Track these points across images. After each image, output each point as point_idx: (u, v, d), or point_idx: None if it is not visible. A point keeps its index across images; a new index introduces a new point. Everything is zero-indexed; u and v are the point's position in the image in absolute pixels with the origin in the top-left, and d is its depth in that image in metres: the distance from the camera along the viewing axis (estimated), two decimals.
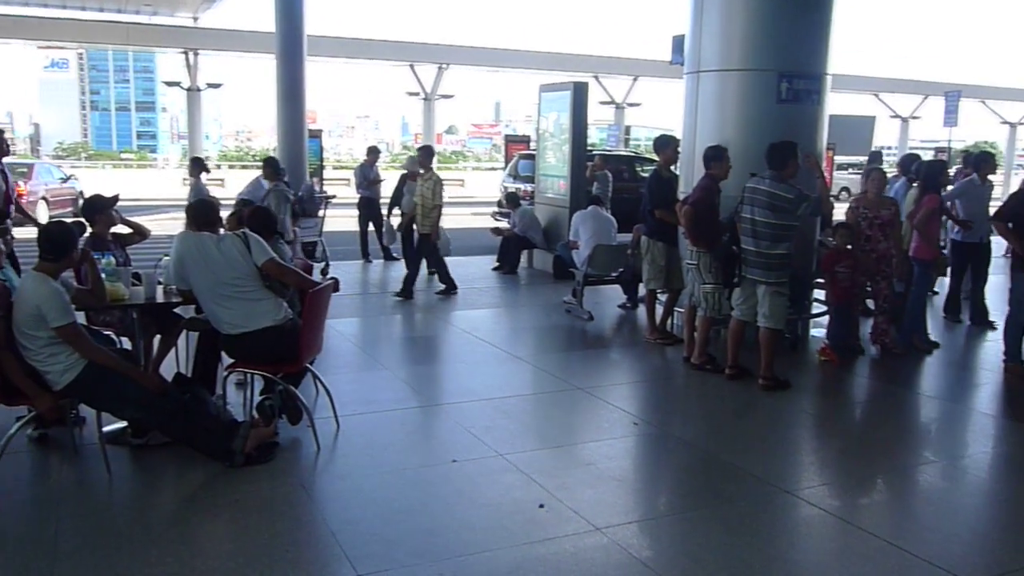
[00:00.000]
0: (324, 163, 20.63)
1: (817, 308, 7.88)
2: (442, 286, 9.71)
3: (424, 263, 9.76)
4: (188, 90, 31.11)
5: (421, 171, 9.62)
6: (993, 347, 7.48)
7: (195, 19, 29.83)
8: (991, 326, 8.31)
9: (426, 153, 9.82)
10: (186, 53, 30.30)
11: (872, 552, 3.82)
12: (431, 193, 9.27)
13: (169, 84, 32.77)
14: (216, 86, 33.83)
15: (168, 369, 5.39)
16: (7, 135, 7.80)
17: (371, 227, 12.31)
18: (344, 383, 6.00)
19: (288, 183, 10.43)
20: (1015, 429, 5.67)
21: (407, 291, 9.40)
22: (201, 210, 5.04)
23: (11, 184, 7.63)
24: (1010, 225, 6.59)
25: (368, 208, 12.30)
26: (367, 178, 12.32)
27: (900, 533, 4.03)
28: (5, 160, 7.46)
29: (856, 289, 7.18)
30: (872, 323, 7.53)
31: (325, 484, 4.50)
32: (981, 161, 8.68)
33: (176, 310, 5.45)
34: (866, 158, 25.73)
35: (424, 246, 9.56)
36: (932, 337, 7.66)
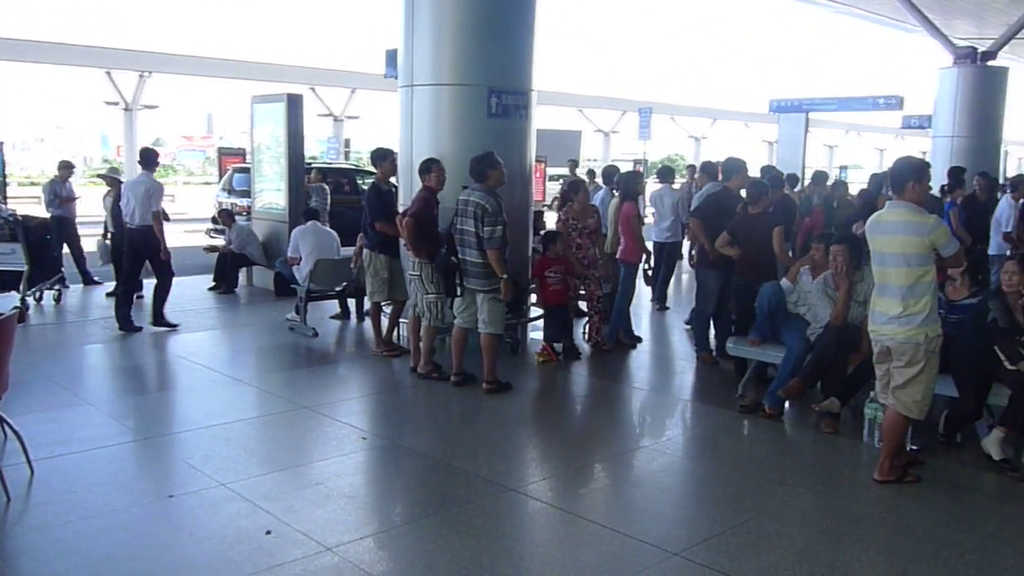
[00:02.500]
0: (7, 179, 18.41)
1: (535, 312, 8.31)
2: None
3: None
4: None
5: None
6: (688, 339, 8.28)
7: None
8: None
9: None
10: None
11: (590, 537, 4.09)
12: None
13: None
14: None
15: None
16: None
17: (66, 248, 11.18)
18: (38, 424, 5.40)
19: None
20: (707, 411, 6.32)
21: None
22: None
23: None
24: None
25: (61, 228, 11.16)
26: (58, 195, 11.16)
27: (614, 516, 4.35)
28: None
29: (568, 292, 7.64)
30: (586, 323, 8.06)
31: (18, 538, 4.01)
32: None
33: None
34: (566, 170, 27.37)
35: None
36: (636, 332, 8.34)
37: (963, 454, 5.27)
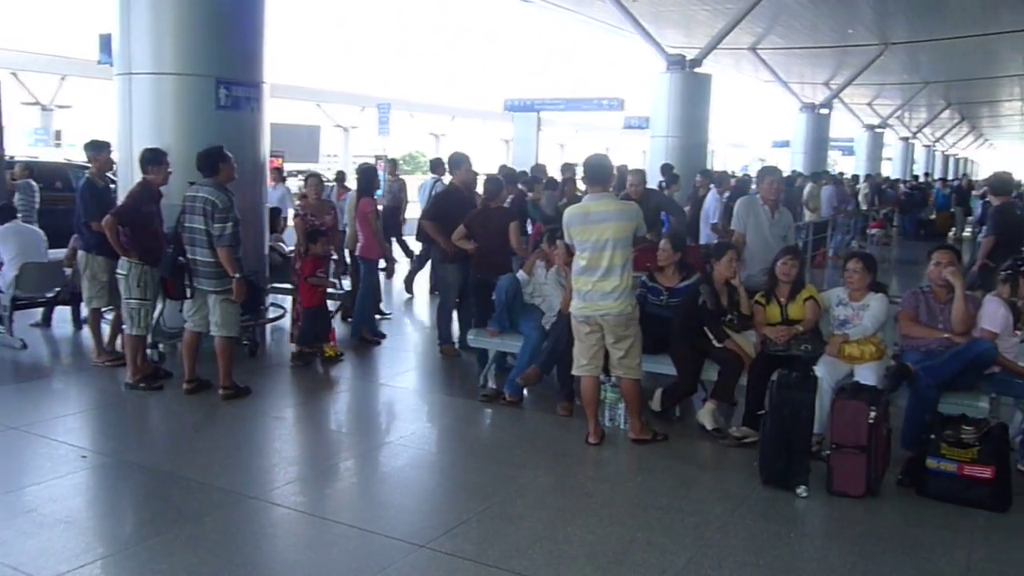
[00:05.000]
0: None
1: (274, 312, 8.04)
2: None
3: None
4: None
5: None
6: (431, 333, 8.37)
7: None
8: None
9: None
10: None
11: (336, 538, 4.03)
12: None
13: None
14: None
15: None
16: None
17: None
18: None
19: None
20: (450, 403, 6.44)
21: None
22: None
23: None
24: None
25: None
26: None
27: (360, 515, 4.32)
28: None
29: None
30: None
31: None
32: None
33: None
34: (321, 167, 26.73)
35: None
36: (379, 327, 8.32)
37: (681, 427, 5.78)
